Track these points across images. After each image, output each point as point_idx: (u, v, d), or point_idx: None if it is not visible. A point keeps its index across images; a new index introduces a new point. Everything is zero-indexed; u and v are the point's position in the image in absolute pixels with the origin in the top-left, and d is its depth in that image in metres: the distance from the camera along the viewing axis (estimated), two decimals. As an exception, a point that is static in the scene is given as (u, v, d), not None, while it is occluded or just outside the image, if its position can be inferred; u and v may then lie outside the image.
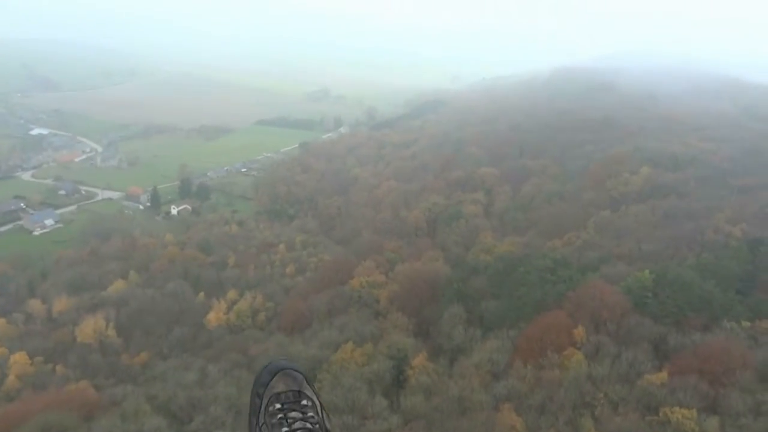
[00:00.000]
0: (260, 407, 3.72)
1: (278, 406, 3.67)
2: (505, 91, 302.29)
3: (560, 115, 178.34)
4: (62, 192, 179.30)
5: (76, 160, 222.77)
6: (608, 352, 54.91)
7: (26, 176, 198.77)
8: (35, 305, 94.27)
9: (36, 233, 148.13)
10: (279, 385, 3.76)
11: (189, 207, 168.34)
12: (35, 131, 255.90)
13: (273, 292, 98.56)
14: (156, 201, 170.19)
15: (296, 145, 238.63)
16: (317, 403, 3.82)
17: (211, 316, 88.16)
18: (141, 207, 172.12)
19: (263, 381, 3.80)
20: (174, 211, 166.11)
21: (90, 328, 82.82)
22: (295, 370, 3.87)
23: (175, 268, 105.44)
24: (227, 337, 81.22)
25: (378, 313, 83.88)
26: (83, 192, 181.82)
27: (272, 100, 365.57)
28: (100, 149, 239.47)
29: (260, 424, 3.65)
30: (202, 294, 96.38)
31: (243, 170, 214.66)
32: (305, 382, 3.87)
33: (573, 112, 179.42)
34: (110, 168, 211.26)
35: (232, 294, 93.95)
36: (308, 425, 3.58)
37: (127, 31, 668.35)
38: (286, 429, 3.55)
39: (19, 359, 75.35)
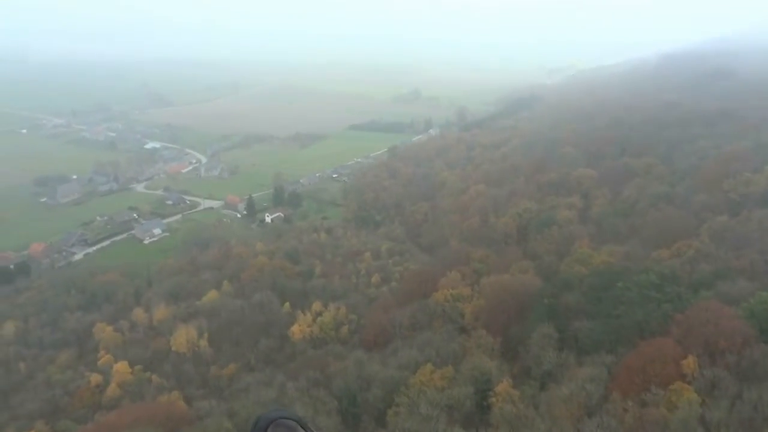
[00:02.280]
0: None
1: None
2: (605, 83, 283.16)
3: (668, 107, 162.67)
4: (169, 202, 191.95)
5: (183, 171, 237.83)
6: (726, 391, 47.07)
7: (140, 188, 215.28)
8: (139, 314, 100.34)
9: (146, 242, 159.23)
10: None
11: (282, 214, 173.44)
12: (149, 145, 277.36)
13: (357, 304, 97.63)
14: (251, 209, 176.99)
15: (385, 149, 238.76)
16: None
17: (295, 329, 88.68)
18: (238, 215, 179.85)
19: None
20: (268, 218, 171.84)
21: (184, 338, 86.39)
22: (287, 418, 3.86)
23: (263, 277, 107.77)
24: (309, 352, 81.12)
25: (462, 329, 79.86)
26: (188, 201, 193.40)
27: (364, 104, 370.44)
28: (204, 160, 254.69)
29: None
30: (287, 305, 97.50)
31: (334, 176, 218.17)
32: (299, 427, 3.87)
33: (682, 103, 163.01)
34: (212, 178, 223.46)
35: (316, 306, 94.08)
36: None
37: (232, 45, 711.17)
38: None
39: (120, 368, 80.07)
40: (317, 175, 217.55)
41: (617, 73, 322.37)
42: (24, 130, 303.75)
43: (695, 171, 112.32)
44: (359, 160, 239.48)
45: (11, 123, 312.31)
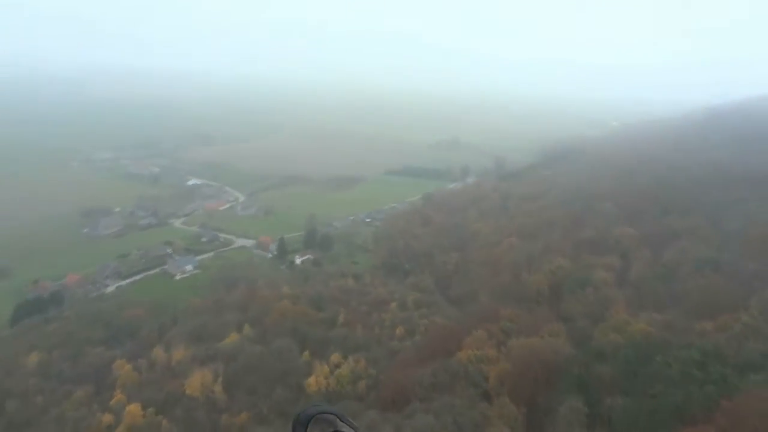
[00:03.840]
0: None
1: None
2: (648, 138, 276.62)
3: (714, 166, 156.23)
4: (204, 239, 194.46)
5: (221, 208, 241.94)
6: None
7: (178, 223, 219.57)
8: (158, 353, 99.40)
9: (177, 278, 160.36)
10: None
11: (312, 257, 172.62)
12: (191, 182, 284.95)
13: (378, 357, 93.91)
14: (282, 250, 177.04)
15: (420, 196, 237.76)
16: None
17: (312, 380, 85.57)
18: (269, 255, 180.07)
19: None
20: (298, 260, 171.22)
21: (198, 381, 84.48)
22: (326, 413, 4.02)
23: (285, 323, 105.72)
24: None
25: (485, 394, 75.14)
26: (222, 239, 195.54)
27: (402, 149, 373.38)
28: (242, 198, 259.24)
29: None
30: (307, 353, 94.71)
31: (367, 220, 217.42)
32: (338, 420, 4.03)
33: (730, 162, 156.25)
34: (248, 216, 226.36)
35: (335, 357, 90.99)
36: None
37: (280, 86, 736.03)
38: None
39: (132, 410, 78.44)
40: (350, 218, 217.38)
41: (662, 128, 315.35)
42: (75, 164, 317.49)
43: (744, 236, 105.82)
44: (394, 205, 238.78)
45: (65, 156, 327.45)
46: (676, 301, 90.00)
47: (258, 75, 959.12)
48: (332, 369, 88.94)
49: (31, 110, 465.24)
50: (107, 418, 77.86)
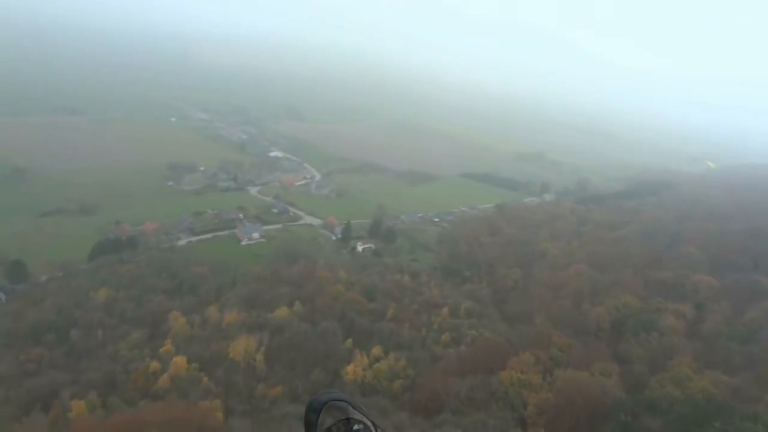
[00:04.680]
0: None
1: None
2: (748, 183, 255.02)
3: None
4: (275, 210, 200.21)
5: (296, 183, 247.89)
6: None
7: (254, 191, 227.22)
8: (212, 312, 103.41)
9: (243, 243, 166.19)
10: (327, 420, 3.96)
11: (373, 246, 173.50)
12: (273, 153, 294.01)
13: (419, 359, 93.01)
14: (347, 235, 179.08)
15: (493, 204, 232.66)
16: (368, 423, 4.01)
17: (350, 369, 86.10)
18: (333, 237, 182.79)
19: (311, 421, 3.99)
20: (360, 247, 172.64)
21: (243, 347, 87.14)
22: (338, 400, 4.07)
23: (335, 306, 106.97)
24: (355, 398, 77.59)
25: (521, 421, 72.54)
26: (291, 213, 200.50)
27: (484, 155, 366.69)
28: (318, 177, 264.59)
29: None
30: (350, 341, 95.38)
31: (435, 220, 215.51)
32: (350, 407, 4.06)
33: None
34: (320, 196, 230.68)
35: (376, 350, 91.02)
36: None
37: (386, 70, 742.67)
38: None
39: (178, 361, 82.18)
40: (419, 215, 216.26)
41: (765, 175, 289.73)
42: (173, 119, 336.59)
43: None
44: (464, 209, 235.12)
45: (166, 111, 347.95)
46: (750, 365, 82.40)
47: (375, 53, 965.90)
48: (372, 362, 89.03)
49: (151, 64, 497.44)
50: (154, 365, 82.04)
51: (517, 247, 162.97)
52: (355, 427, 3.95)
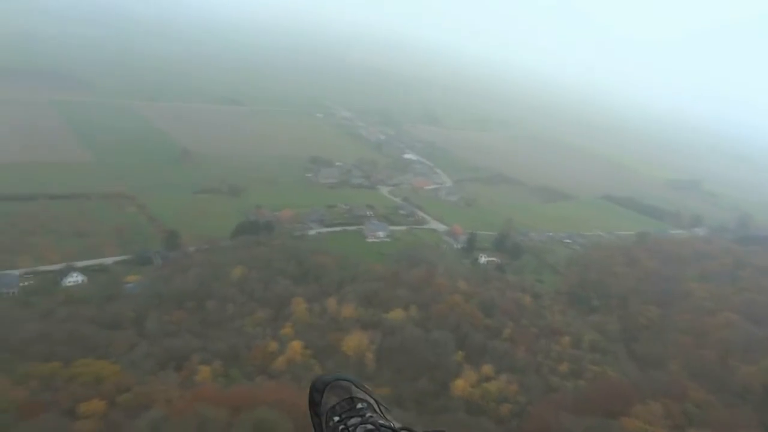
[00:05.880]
0: (321, 426, 3.96)
1: (336, 418, 3.91)
2: None
3: None
4: (402, 212, 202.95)
5: (426, 188, 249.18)
6: None
7: (384, 191, 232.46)
8: (331, 303, 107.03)
9: (368, 240, 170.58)
10: (331, 399, 4.01)
11: (497, 260, 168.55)
12: (407, 156, 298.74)
13: (532, 386, 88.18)
14: (471, 245, 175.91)
15: (634, 232, 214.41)
16: (372, 401, 4.05)
17: (459, 384, 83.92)
18: (456, 246, 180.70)
19: (315, 401, 4.06)
20: (482, 260, 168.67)
21: (355, 342, 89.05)
22: (341, 379, 4.12)
23: (451, 316, 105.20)
24: (460, 415, 75.46)
25: (640, 477, 65.36)
26: (418, 217, 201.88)
27: (627, 177, 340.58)
28: (448, 184, 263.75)
29: None
30: (461, 354, 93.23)
31: (566, 241, 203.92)
32: (353, 386, 4.11)
33: None
34: (449, 203, 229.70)
35: (487, 369, 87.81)
36: (369, 426, 3.78)
37: (527, 82, 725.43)
38: None
39: (295, 346, 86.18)
40: (549, 234, 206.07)
41: None
42: (320, 115, 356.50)
43: None
44: (600, 233, 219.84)
45: (314, 107, 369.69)
46: None
47: (508, 62, 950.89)
48: (481, 380, 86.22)
49: (304, 62, 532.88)
50: (273, 345, 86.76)
51: (656, 283, 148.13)
52: (359, 405, 3.90)
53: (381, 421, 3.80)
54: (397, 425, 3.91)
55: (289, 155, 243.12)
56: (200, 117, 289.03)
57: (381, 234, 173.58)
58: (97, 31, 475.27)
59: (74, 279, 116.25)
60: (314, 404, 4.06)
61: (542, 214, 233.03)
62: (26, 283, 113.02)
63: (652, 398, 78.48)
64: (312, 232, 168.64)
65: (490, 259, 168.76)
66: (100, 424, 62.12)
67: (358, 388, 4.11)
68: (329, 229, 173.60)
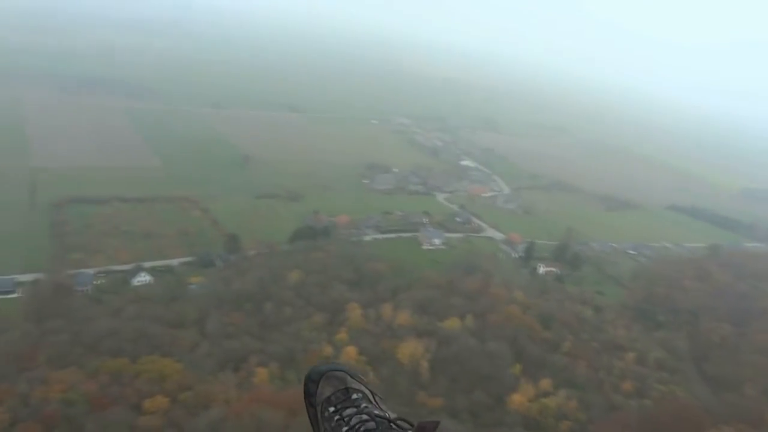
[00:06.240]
0: (317, 416, 4.00)
1: (332, 409, 3.93)
2: None
3: None
4: (458, 219, 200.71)
5: (483, 195, 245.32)
6: None
7: (440, 197, 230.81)
8: (386, 310, 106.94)
9: (423, 247, 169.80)
10: (326, 390, 4.01)
11: (556, 271, 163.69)
12: (464, 162, 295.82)
13: (593, 404, 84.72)
14: (529, 254, 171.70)
15: (704, 244, 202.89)
16: (367, 391, 4.04)
17: (515, 398, 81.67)
18: (514, 255, 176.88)
19: (311, 391, 4.07)
20: (541, 269, 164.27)
21: (410, 350, 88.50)
22: (336, 370, 4.11)
23: (507, 328, 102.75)
24: (517, 430, 73.39)
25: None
26: (474, 224, 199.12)
27: (697, 187, 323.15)
28: (506, 191, 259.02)
29: None
30: (518, 367, 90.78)
31: (630, 252, 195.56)
32: (348, 377, 4.08)
33: None
34: (506, 210, 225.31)
35: (545, 384, 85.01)
36: (364, 416, 3.80)
37: (586, 90, 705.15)
38: (346, 428, 3.78)
39: (349, 351, 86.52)
40: (611, 244, 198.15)
41: None
42: (375, 122, 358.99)
43: None
44: (668, 245, 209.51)
45: (370, 114, 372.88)
46: None
47: (571, 71, 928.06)
48: (539, 394, 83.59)
49: (361, 69, 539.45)
50: (328, 349, 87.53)
51: (730, 299, 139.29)
52: (354, 395, 3.93)
53: (376, 412, 3.80)
54: (392, 416, 3.88)
55: (346, 161, 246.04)
56: (261, 123, 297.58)
57: (437, 241, 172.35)
58: (166, 42, 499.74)
59: (142, 279, 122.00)
60: (309, 395, 4.06)
61: (604, 224, 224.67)
62: (99, 282, 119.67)
63: (725, 423, 73.60)
64: (368, 238, 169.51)
65: (549, 269, 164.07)
66: (163, 421, 64.47)
67: (353, 378, 4.08)
68: (385, 236, 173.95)
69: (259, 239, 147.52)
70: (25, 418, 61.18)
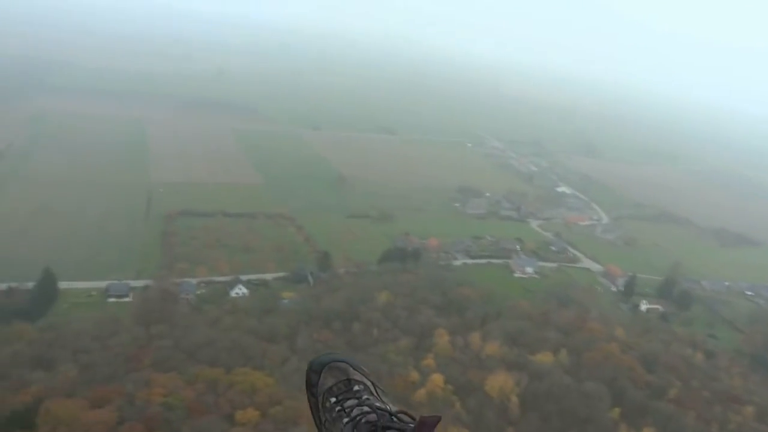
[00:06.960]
0: (318, 406, 4.01)
1: (333, 400, 3.93)
2: None
3: None
4: (553, 247, 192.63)
5: (580, 223, 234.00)
6: None
7: (534, 224, 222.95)
8: (475, 338, 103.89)
9: (515, 275, 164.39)
10: (328, 380, 4.01)
11: (661, 309, 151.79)
12: (560, 189, 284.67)
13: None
14: (630, 289, 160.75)
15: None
16: (368, 383, 4.05)
17: (613, 445, 75.61)
18: (613, 289, 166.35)
19: (313, 382, 4.06)
20: (643, 306, 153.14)
21: (499, 383, 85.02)
22: (339, 361, 4.09)
23: (606, 367, 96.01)
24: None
25: None
26: (570, 254, 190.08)
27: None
28: (605, 220, 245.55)
29: (324, 422, 3.94)
30: (617, 411, 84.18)
31: (748, 293, 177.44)
32: (350, 368, 4.08)
33: None
34: (605, 241, 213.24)
35: (648, 432, 78.02)
36: (365, 408, 3.81)
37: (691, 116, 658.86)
38: (347, 419, 3.78)
39: (436, 379, 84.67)
40: (726, 283, 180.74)
41: None
42: (469, 144, 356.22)
43: None
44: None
45: (464, 137, 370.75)
46: None
47: (675, 94, 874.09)
48: (640, 444, 76.70)
49: (454, 92, 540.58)
50: (414, 375, 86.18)
51: None
52: (356, 387, 3.95)
53: (377, 404, 3.78)
54: (394, 408, 3.83)
55: (437, 184, 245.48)
56: (357, 145, 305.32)
57: (529, 269, 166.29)
58: (271, 65, 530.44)
59: (239, 291, 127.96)
60: (311, 385, 4.03)
61: (718, 261, 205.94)
62: (200, 291, 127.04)
63: None
64: (457, 263, 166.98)
65: (653, 306, 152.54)
66: (253, 433, 66.20)
67: (355, 370, 4.05)
68: (474, 261, 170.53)
69: (350, 258, 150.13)
70: (131, 418, 65.32)
